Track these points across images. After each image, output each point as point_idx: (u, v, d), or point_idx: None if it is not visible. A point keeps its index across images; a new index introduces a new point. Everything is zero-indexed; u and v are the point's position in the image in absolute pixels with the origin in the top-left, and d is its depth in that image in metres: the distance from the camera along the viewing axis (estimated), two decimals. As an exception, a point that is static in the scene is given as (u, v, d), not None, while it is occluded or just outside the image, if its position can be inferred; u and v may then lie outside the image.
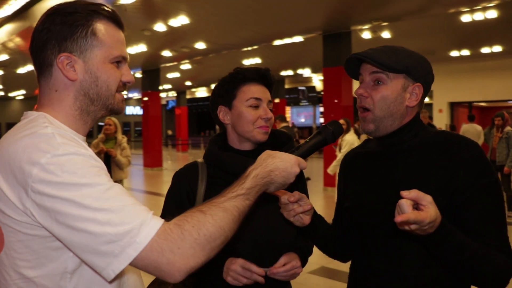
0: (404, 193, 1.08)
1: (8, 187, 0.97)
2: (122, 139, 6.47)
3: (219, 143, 1.71)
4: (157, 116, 17.74)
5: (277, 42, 13.14)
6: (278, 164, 1.16)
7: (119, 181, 6.23)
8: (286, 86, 23.82)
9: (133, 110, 33.95)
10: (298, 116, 27.35)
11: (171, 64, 17.17)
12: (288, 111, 26.38)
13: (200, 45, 13.33)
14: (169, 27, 10.96)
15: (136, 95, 31.48)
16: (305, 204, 1.41)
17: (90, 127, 1.20)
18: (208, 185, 1.63)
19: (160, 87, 20.00)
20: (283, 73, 20.90)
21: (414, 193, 1.08)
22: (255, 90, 1.61)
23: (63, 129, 1.09)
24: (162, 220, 0.98)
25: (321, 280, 4.87)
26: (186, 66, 17.95)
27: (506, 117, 8.00)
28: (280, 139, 1.70)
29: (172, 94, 30.66)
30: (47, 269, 1.02)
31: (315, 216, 1.50)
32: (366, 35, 12.23)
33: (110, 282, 1.04)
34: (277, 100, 22.49)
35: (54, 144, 0.97)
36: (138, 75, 19.41)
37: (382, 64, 1.31)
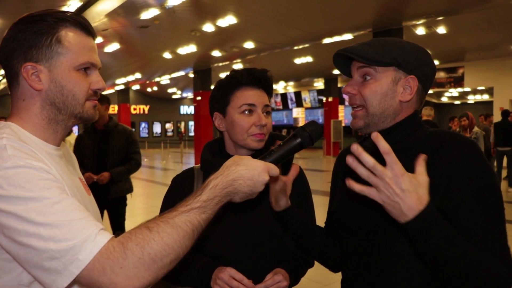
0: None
1: None
2: None
3: (215, 149, 1.65)
4: (208, 115, 17.90)
5: (326, 41, 12.93)
6: (243, 172, 1.05)
7: None
8: (339, 85, 23.41)
9: (187, 110, 34.48)
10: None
11: (223, 64, 17.35)
12: (342, 110, 25.90)
13: (249, 45, 13.38)
14: (218, 27, 11.08)
15: (190, 95, 32.06)
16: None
17: (62, 136, 1.18)
18: None
19: (213, 87, 20.28)
20: (336, 71, 20.55)
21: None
22: (248, 95, 1.52)
23: (28, 139, 1.08)
24: (110, 237, 0.93)
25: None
26: (238, 65, 18.07)
27: (471, 117, 8.16)
28: None
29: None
30: (2, 281, 1.01)
31: (302, 218, 1.42)
32: (420, 31, 11.77)
33: None
34: (330, 99, 22.17)
35: (4, 157, 0.96)
36: (190, 75, 19.79)
37: (367, 58, 1.23)
